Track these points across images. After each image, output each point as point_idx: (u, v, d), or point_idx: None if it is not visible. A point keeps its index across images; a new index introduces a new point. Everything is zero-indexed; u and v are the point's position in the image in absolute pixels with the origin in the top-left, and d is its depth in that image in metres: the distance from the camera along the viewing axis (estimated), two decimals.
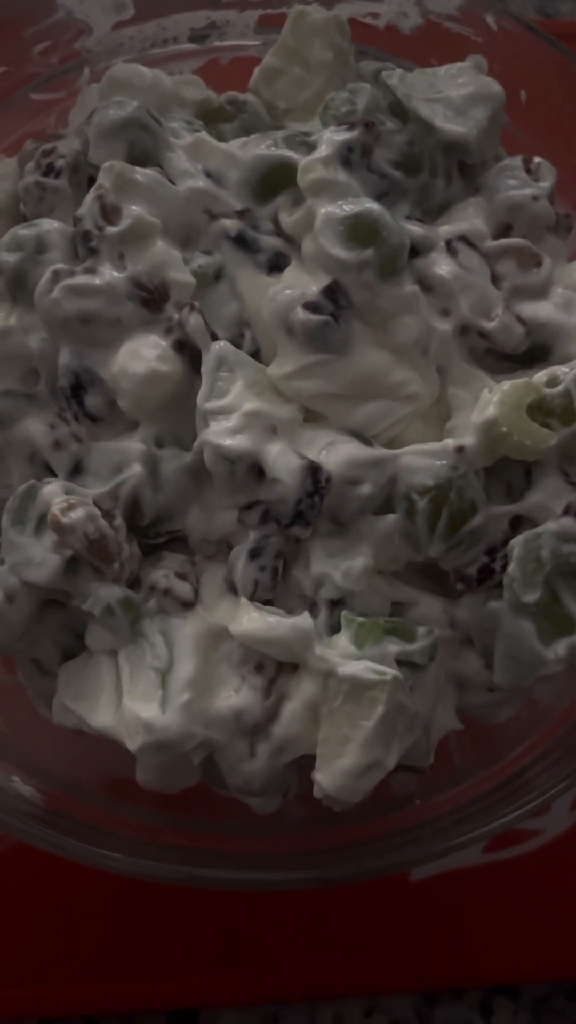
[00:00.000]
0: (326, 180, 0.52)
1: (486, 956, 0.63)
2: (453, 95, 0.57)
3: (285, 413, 0.51)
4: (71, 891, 0.62)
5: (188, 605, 0.51)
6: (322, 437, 0.51)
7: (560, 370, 0.51)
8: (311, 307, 0.51)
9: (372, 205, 0.52)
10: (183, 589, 0.51)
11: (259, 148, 0.56)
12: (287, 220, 0.54)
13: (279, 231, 0.55)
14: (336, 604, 0.50)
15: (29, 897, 0.63)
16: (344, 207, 0.52)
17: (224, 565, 0.52)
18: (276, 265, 0.54)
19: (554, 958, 0.63)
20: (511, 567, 0.50)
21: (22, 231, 0.53)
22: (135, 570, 0.51)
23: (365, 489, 0.50)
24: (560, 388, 0.50)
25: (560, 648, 0.50)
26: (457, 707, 0.53)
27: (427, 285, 0.53)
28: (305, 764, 0.49)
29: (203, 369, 0.51)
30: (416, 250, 0.54)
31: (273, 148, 0.56)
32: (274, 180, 0.55)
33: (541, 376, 0.51)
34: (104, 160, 0.54)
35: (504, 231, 0.56)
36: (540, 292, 0.55)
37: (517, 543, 0.50)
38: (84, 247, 0.52)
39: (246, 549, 0.50)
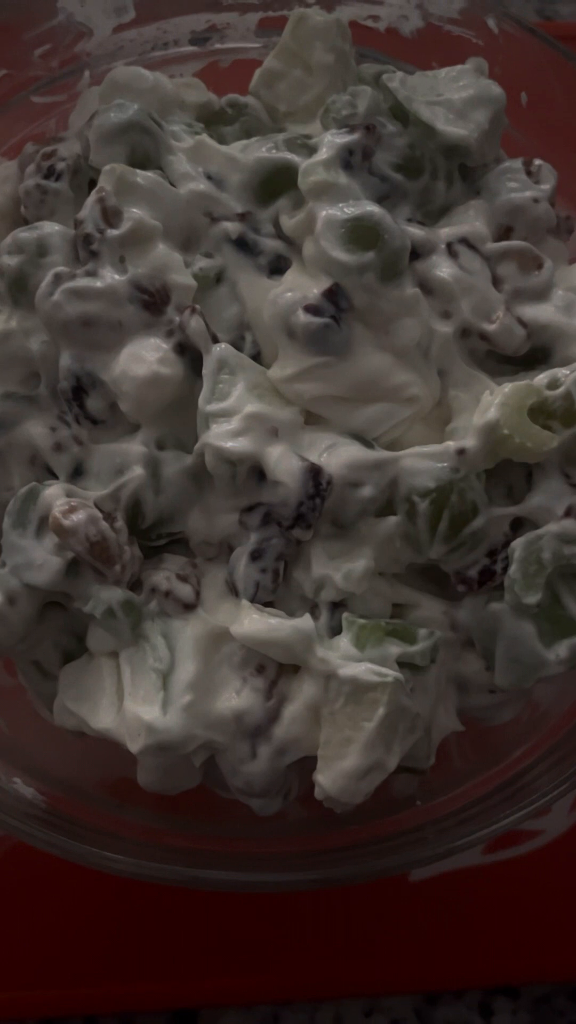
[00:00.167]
0: (327, 183, 0.52)
1: (486, 956, 0.63)
2: (454, 98, 0.57)
3: (286, 415, 0.51)
4: (72, 892, 0.62)
5: (189, 607, 0.51)
6: (323, 439, 0.51)
7: (561, 372, 0.51)
8: (312, 310, 0.51)
9: (373, 208, 0.52)
10: (184, 591, 0.51)
11: (260, 151, 0.56)
12: (288, 223, 0.54)
13: (280, 234, 0.55)
14: (337, 606, 0.50)
15: (30, 898, 0.63)
16: (345, 210, 0.52)
17: (225, 567, 0.52)
18: (277, 268, 0.54)
19: (554, 958, 0.63)
20: (512, 569, 0.50)
21: (23, 234, 0.53)
22: (136, 572, 0.51)
23: (366, 491, 0.50)
24: (561, 390, 0.50)
25: (561, 650, 0.50)
26: (458, 709, 0.53)
27: (428, 287, 0.53)
28: (306, 766, 0.49)
29: (204, 372, 0.51)
30: (417, 253, 0.54)
31: (274, 151, 0.56)
32: (275, 183, 0.55)
33: (542, 378, 0.51)
34: (105, 163, 0.54)
35: (505, 233, 0.56)
36: (541, 294, 0.55)
37: (518, 545, 0.50)
38: (85, 250, 0.52)
39: (247, 551, 0.50)
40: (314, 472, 0.49)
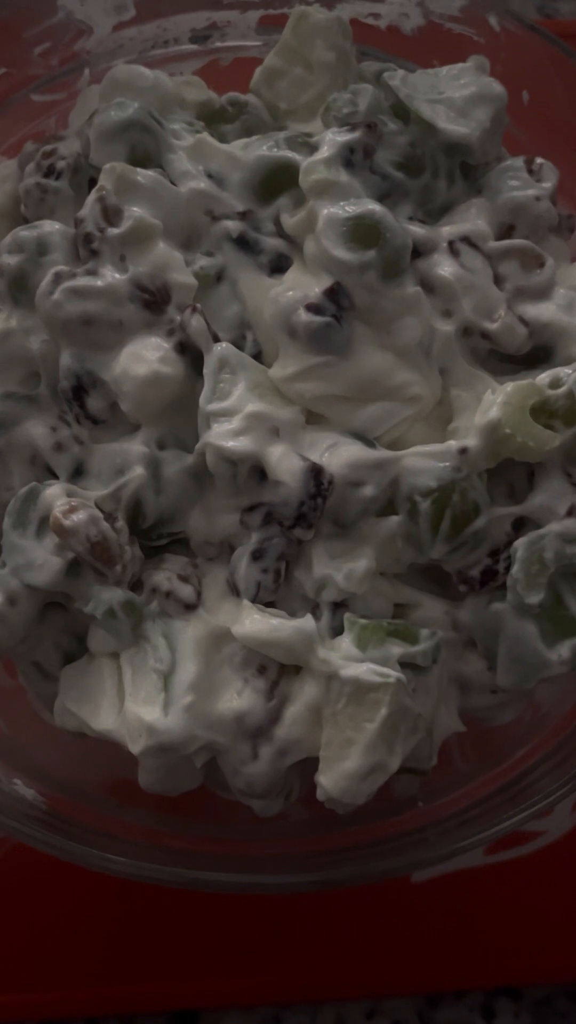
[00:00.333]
0: (328, 181, 0.52)
1: (488, 957, 0.63)
2: (455, 96, 0.57)
3: (287, 415, 0.51)
4: (72, 893, 0.62)
5: (190, 607, 0.50)
6: (324, 439, 0.51)
7: (563, 371, 0.51)
8: (313, 309, 0.51)
9: (374, 206, 0.52)
10: (185, 591, 0.51)
11: (261, 149, 0.56)
12: (289, 221, 0.54)
13: (281, 232, 0.55)
14: (339, 606, 0.50)
15: (30, 900, 0.62)
16: (346, 208, 0.52)
17: (226, 567, 0.52)
18: (278, 266, 0.54)
19: (556, 959, 0.63)
20: (514, 569, 0.50)
21: (23, 233, 0.53)
22: (137, 572, 0.51)
23: (368, 491, 0.50)
24: (563, 389, 0.50)
25: (564, 650, 0.50)
26: (460, 709, 0.53)
27: (429, 286, 0.53)
28: (308, 767, 0.49)
29: (205, 371, 0.50)
30: (418, 251, 0.54)
31: (275, 149, 0.55)
32: (276, 181, 0.55)
33: (544, 377, 0.51)
34: (105, 161, 0.54)
35: (506, 232, 0.56)
36: (543, 293, 0.54)
37: (520, 545, 0.50)
38: (85, 249, 0.52)
39: (248, 551, 0.50)
40: (315, 472, 0.49)
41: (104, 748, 0.50)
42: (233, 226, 0.54)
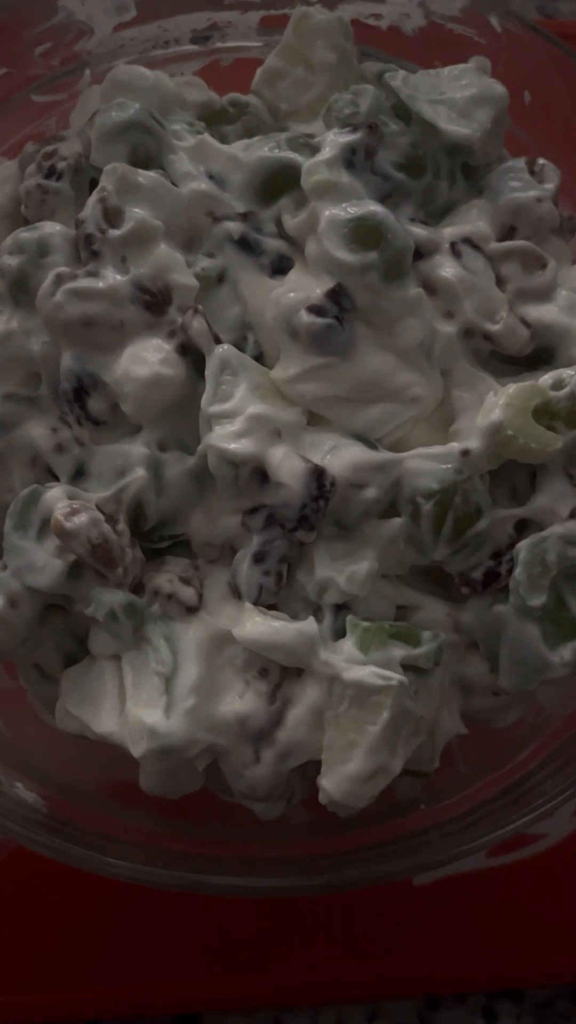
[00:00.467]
0: (330, 182, 0.52)
1: (489, 960, 0.63)
2: (456, 96, 0.57)
3: (289, 416, 0.51)
4: (73, 895, 0.62)
5: (192, 610, 0.50)
6: (326, 440, 0.51)
7: (565, 373, 0.51)
8: (315, 310, 0.51)
9: (376, 207, 0.51)
10: (187, 594, 0.50)
11: (262, 150, 0.56)
12: (290, 222, 0.54)
13: (282, 233, 0.55)
14: (341, 608, 0.50)
15: (31, 902, 0.62)
16: (348, 209, 0.51)
17: (228, 569, 0.51)
18: (279, 268, 0.54)
19: (557, 961, 0.63)
20: (517, 571, 0.50)
21: (24, 234, 0.53)
22: (138, 575, 0.51)
23: (370, 493, 0.50)
24: (565, 391, 0.50)
25: (566, 652, 0.50)
26: (462, 711, 0.53)
27: (431, 287, 0.53)
28: (310, 769, 0.49)
29: (206, 372, 0.50)
30: (420, 252, 0.53)
31: (276, 150, 0.55)
32: (277, 182, 0.55)
33: (546, 379, 0.51)
34: (106, 162, 0.54)
35: (508, 233, 0.56)
36: (545, 294, 0.54)
37: (523, 547, 0.50)
38: (86, 250, 0.52)
39: (250, 553, 0.50)
40: (317, 473, 0.49)
41: (105, 750, 0.50)
42: (234, 227, 0.54)
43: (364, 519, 0.50)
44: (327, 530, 0.50)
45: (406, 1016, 0.63)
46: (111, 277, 0.51)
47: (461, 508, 0.49)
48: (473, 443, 0.50)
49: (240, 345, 0.53)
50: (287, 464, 0.49)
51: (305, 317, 0.50)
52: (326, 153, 0.53)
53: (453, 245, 0.54)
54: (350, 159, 0.53)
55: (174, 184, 0.54)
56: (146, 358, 0.50)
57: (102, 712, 0.50)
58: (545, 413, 0.50)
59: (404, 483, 0.50)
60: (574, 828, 0.65)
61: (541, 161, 0.57)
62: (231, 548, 0.52)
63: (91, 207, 0.52)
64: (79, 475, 0.52)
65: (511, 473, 0.52)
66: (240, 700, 0.49)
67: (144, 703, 0.48)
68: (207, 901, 0.62)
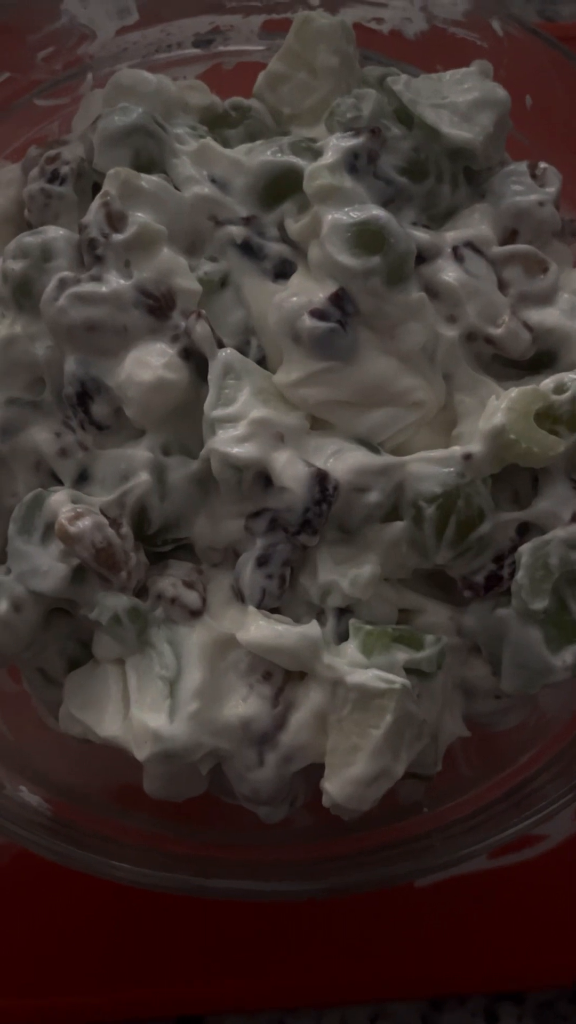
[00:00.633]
0: (332, 186, 0.52)
1: (491, 961, 0.63)
2: (459, 100, 0.57)
3: (292, 421, 0.51)
4: (74, 898, 0.62)
5: (195, 613, 0.50)
6: (329, 445, 0.51)
7: (567, 377, 0.51)
8: (318, 314, 0.51)
9: (379, 212, 0.51)
10: (190, 597, 0.51)
11: (264, 154, 0.56)
12: (293, 227, 0.54)
13: (285, 238, 0.55)
14: (344, 612, 0.50)
15: (33, 905, 0.62)
16: (351, 214, 0.51)
17: (231, 573, 0.51)
18: (282, 272, 0.54)
19: (558, 963, 0.63)
20: (519, 574, 0.50)
21: (28, 239, 0.53)
22: (142, 579, 0.51)
23: (372, 497, 0.50)
24: (567, 395, 0.50)
25: (568, 656, 0.50)
26: (464, 714, 0.53)
27: (434, 292, 0.53)
28: (313, 773, 0.49)
29: (210, 377, 0.50)
30: (422, 256, 0.53)
31: (279, 154, 0.55)
32: (280, 186, 0.55)
33: (548, 383, 0.51)
34: (109, 167, 0.53)
35: (510, 237, 0.56)
36: (547, 298, 0.54)
37: (525, 550, 0.50)
38: (90, 255, 0.52)
39: (253, 557, 0.50)
40: (320, 478, 0.49)
41: (109, 754, 0.50)
42: (237, 231, 0.54)
43: (367, 523, 0.50)
44: (330, 534, 0.50)
45: (408, 1018, 0.63)
46: (114, 281, 0.51)
47: (463, 512, 0.49)
48: (475, 447, 0.50)
49: (243, 349, 0.52)
50: (290, 468, 0.49)
51: (308, 321, 0.50)
52: (328, 157, 0.53)
53: (455, 249, 0.54)
54: (353, 163, 0.53)
55: (177, 188, 0.54)
56: (150, 362, 0.50)
57: (106, 716, 0.50)
58: (547, 417, 0.50)
59: (407, 487, 0.50)
60: (575, 830, 0.65)
61: (543, 165, 0.57)
62: (234, 552, 0.52)
63: (94, 211, 0.52)
64: (83, 479, 0.52)
65: (513, 477, 0.52)
66: (244, 704, 0.49)
67: (148, 707, 0.48)
68: (208, 904, 0.62)
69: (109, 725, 0.49)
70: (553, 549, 0.50)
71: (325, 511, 0.49)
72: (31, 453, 0.53)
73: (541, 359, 0.55)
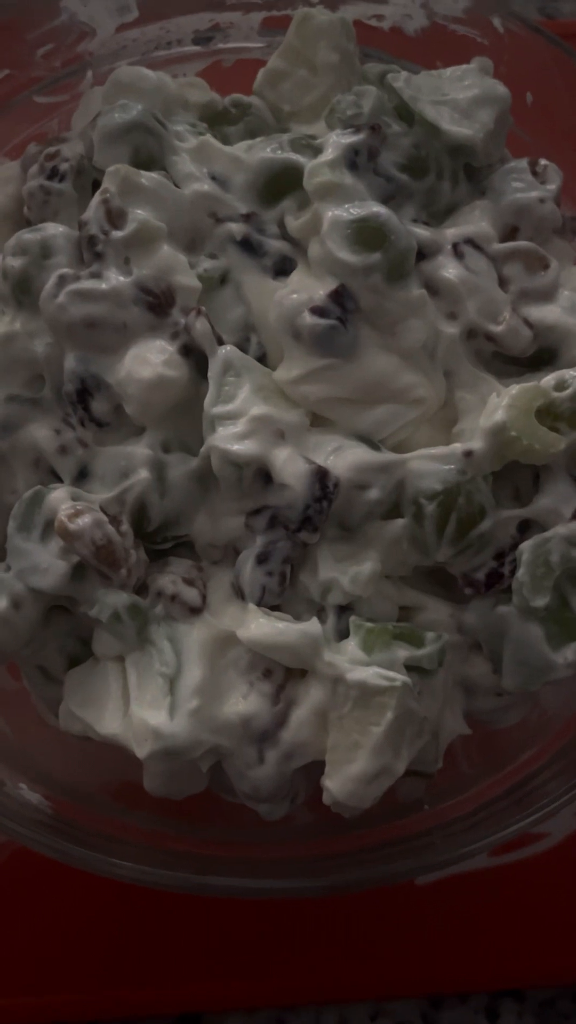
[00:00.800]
0: (332, 183, 0.52)
1: (492, 959, 0.63)
2: (459, 97, 0.57)
3: (292, 418, 0.51)
4: (75, 897, 0.62)
5: (195, 611, 0.50)
6: (329, 442, 0.51)
7: (568, 374, 0.51)
8: (318, 311, 0.51)
9: (379, 208, 0.51)
10: (190, 595, 0.50)
11: (264, 151, 0.56)
12: (293, 224, 0.54)
13: (285, 235, 0.55)
14: (344, 609, 0.50)
15: (33, 903, 0.62)
16: (351, 210, 0.51)
17: (231, 570, 0.51)
18: (282, 269, 0.54)
19: (560, 961, 0.63)
20: (520, 572, 0.50)
21: (27, 235, 0.53)
22: (142, 576, 0.51)
23: (373, 494, 0.50)
24: (568, 392, 0.50)
25: (569, 653, 0.50)
26: (465, 712, 0.53)
27: (434, 288, 0.53)
28: (313, 770, 0.49)
29: (210, 374, 0.50)
30: (423, 253, 0.53)
31: (279, 151, 0.55)
32: (280, 183, 0.55)
33: (549, 380, 0.51)
34: (109, 164, 0.53)
35: (511, 234, 0.56)
36: (547, 295, 0.54)
37: (526, 548, 0.50)
38: (90, 251, 0.52)
39: (253, 554, 0.50)
40: (321, 475, 0.49)
41: (109, 752, 0.50)
42: (237, 228, 0.54)
43: (367, 520, 0.50)
44: (330, 531, 0.50)
45: (409, 1016, 0.63)
46: (114, 278, 0.51)
47: (464, 509, 0.49)
48: (476, 444, 0.50)
49: (243, 346, 0.52)
50: (290, 465, 0.49)
51: (308, 318, 0.50)
52: (329, 154, 0.53)
53: (456, 246, 0.54)
54: (353, 160, 0.53)
55: (177, 185, 0.54)
56: (149, 359, 0.50)
57: (106, 713, 0.50)
58: (548, 414, 0.50)
59: (407, 484, 0.50)
60: None
61: (543, 162, 0.57)
62: (234, 549, 0.52)
63: (94, 208, 0.52)
64: (82, 477, 0.52)
65: (514, 474, 0.52)
66: (244, 701, 0.49)
67: (148, 704, 0.48)
68: (209, 903, 0.62)
69: (109, 723, 0.49)
70: (554, 546, 0.50)
71: (325, 508, 0.49)
72: (31, 450, 0.53)
73: (542, 356, 0.55)
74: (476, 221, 0.56)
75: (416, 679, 0.48)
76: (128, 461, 0.51)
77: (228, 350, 0.51)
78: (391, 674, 0.47)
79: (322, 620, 0.50)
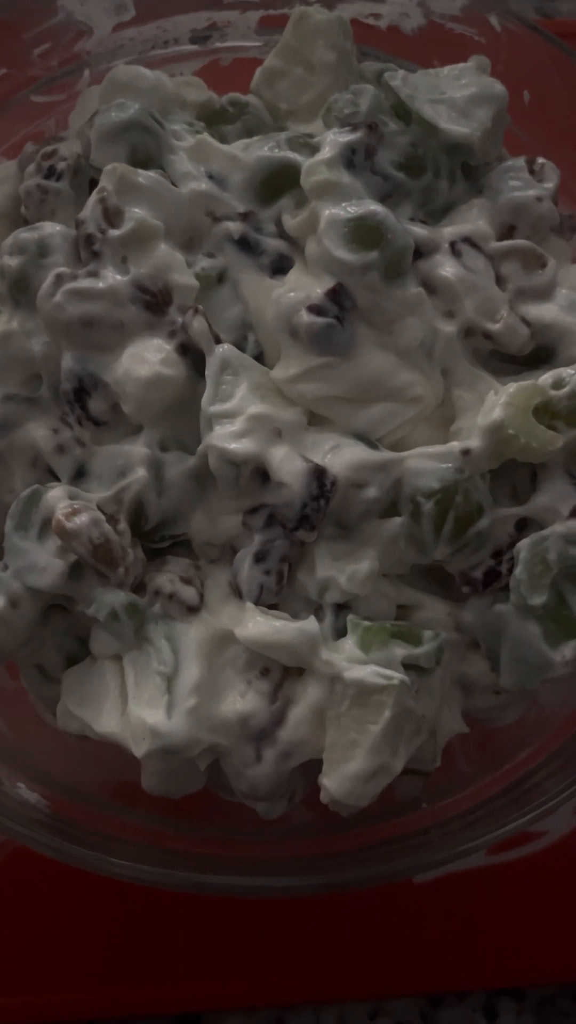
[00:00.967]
0: (330, 182, 0.52)
1: (490, 957, 0.63)
2: (456, 96, 0.57)
3: (290, 416, 0.51)
4: (74, 896, 0.62)
5: (193, 610, 0.50)
6: (327, 440, 0.51)
7: (566, 372, 0.51)
8: (315, 310, 0.51)
9: (376, 207, 0.51)
10: (188, 593, 0.51)
11: (262, 150, 0.56)
12: (290, 222, 0.54)
13: (282, 233, 0.55)
14: (342, 608, 0.50)
15: (32, 902, 0.62)
16: (348, 209, 0.51)
17: (228, 569, 0.51)
18: (279, 267, 0.54)
19: (558, 959, 0.63)
20: (518, 570, 0.50)
21: (24, 234, 0.53)
22: (139, 575, 0.51)
23: (371, 492, 0.50)
24: (566, 390, 0.50)
25: (567, 651, 0.50)
26: (462, 710, 0.53)
27: (431, 287, 0.53)
28: (311, 769, 0.49)
29: (207, 372, 0.50)
30: (420, 252, 0.53)
31: (276, 150, 0.55)
32: (277, 182, 0.55)
33: (547, 378, 0.51)
34: (106, 163, 0.53)
35: (508, 232, 0.56)
36: (545, 293, 0.54)
37: (523, 546, 0.50)
38: (87, 250, 0.52)
39: (251, 553, 0.50)
40: (318, 473, 0.49)
41: (107, 750, 0.50)
42: (234, 227, 0.54)
43: (365, 518, 0.50)
44: (328, 530, 0.50)
45: (408, 1014, 0.63)
46: (111, 277, 0.51)
47: (462, 507, 0.49)
48: (474, 442, 0.50)
49: (240, 345, 0.53)
50: (288, 464, 0.49)
51: (305, 317, 0.50)
52: (326, 153, 0.53)
53: (453, 244, 0.54)
54: (350, 159, 0.53)
55: (174, 184, 0.54)
56: (147, 358, 0.50)
57: (104, 712, 0.50)
58: (546, 412, 0.50)
59: (405, 482, 0.50)
60: (574, 826, 0.65)
61: (541, 160, 0.57)
62: (232, 548, 0.52)
63: (91, 207, 0.52)
64: (80, 475, 0.52)
65: (512, 472, 0.52)
66: (242, 700, 0.49)
67: (146, 703, 0.48)
68: (208, 902, 0.62)
69: (107, 721, 0.49)
70: (552, 544, 0.50)
71: (323, 507, 0.49)
72: (28, 449, 0.53)
73: (539, 354, 0.55)
74: (473, 220, 0.56)
75: (414, 677, 0.48)
76: (125, 460, 0.51)
77: (225, 348, 0.51)
78: (389, 672, 0.47)
79: (320, 619, 0.50)
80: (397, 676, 0.47)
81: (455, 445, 0.50)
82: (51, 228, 0.53)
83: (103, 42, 0.65)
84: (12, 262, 0.53)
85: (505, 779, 0.54)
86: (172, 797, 0.51)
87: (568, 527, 0.50)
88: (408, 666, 0.48)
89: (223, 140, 0.58)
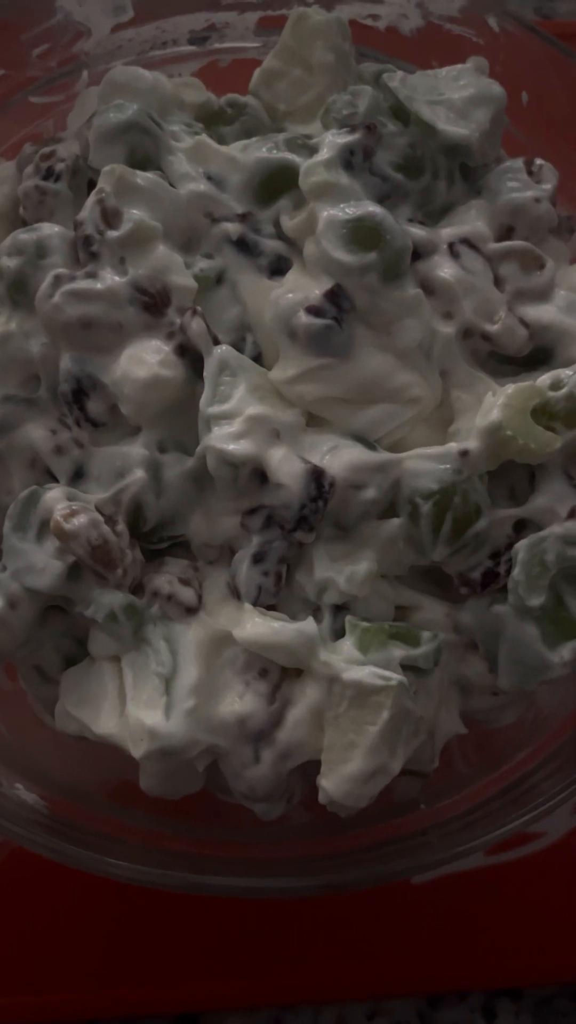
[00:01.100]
0: (328, 183, 0.52)
1: (488, 958, 0.63)
2: (454, 97, 0.57)
3: (288, 417, 0.51)
4: (73, 897, 0.62)
5: (191, 611, 0.50)
6: (325, 441, 0.51)
7: (564, 373, 0.51)
8: (313, 311, 0.51)
9: (375, 208, 0.51)
10: (186, 595, 0.51)
11: (260, 151, 0.56)
12: (289, 223, 0.54)
13: (280, 234, 0.55)
14: (340, 609, 0.50)
15: (31, 903, 0.62)
16: (346, 210, 0.51)
17: (227, 570, 0.51)
18: (278, 269, 0.54)
19: (557, 959, 0.63)
20: (516, 571, 0.50)
21: (22, 235, 0.53)
22: (138, 576, 0.51)
23: (369, 493, 0.50)
24: (564, 391, 0.50)
25: (565, 652, 0.50)
26: (461, 711, 0.53)
27: (430, 288, 0.53)
28: (309, 770, 0.49)
29: (205, 374, 0.50)
30: (418, 253, 0.53)
31: (274, 151, 0.55)
32: (275, 183, 0.55)
33: (545, 379, 0.51)
34: (104, 164, 0.53)
35: (506, 233, 0.56)
36: (543, 295, 0.54)
37: (522, 547, 0.50)
38: (85, 251, 0.52)
39: (249, 554, 0.50)
40: (316, 474, 0.49)
41: (105, 751, 0.50)
42: (233, 228, 0.54)
43: (363, 520, 0.50)
44: (326, 531, 0.50)
45: (406, 1015, 0.63)
46: (109, 278, 0.51)
47: (460, 508, 0.49)
48: (472, 443, 0.50)
49: (239, 346, 0.53)
50: (286, 465, 0.49)
51: (304, 318, 0.50)
52: (324, 154, 0.53)
53: (451, 246, 0.54)
54: (348, 160, 0.53)
55: (172, 185, 0.54)
56: (145, 359, 0.50)
57: (102, 713, 0.50)
58: (544, 413, 0.50)
59: (403, 484, 0.50)
60: (573, 826, 0.65)
61: (539, 161, 0.57)
62: (230, 549, 0.52)
63: (89, 208, 0.52)
64: (78, 477, 0.52)
65: (510, 473, 0.52)
66: (240, 701, 0.49)
67: (144, 704, 0.48)
68: (207, 903, 0.62)
69: (105, 722, 0.49)
70: (550, 545, 0.50)
71: (321, 508, 0.49)
72: (27, 450, 0.53)
73: (537, 355, 0.54)
74: (472, 221, 0.56)
75: (412, 678, 0.48)
76: (124, 461, 0.51)
77: (224, 350, 0.51)
78: (387, 673, 0.47)
79: (318, 620, 0.50)
80: (395, 677, 0.47)
81: (453, 446, 0.50)
82: (49, 229, 0.53)
83: (101, 43, 0.65)
84: (10, 263, 0.53)
85: (503, 780, 0.54)
86: (170, 798, 0.51)
87: (566, 528, 0.50)
88: (406, 667, 0.48)
89: (221, 141, 0.58)
